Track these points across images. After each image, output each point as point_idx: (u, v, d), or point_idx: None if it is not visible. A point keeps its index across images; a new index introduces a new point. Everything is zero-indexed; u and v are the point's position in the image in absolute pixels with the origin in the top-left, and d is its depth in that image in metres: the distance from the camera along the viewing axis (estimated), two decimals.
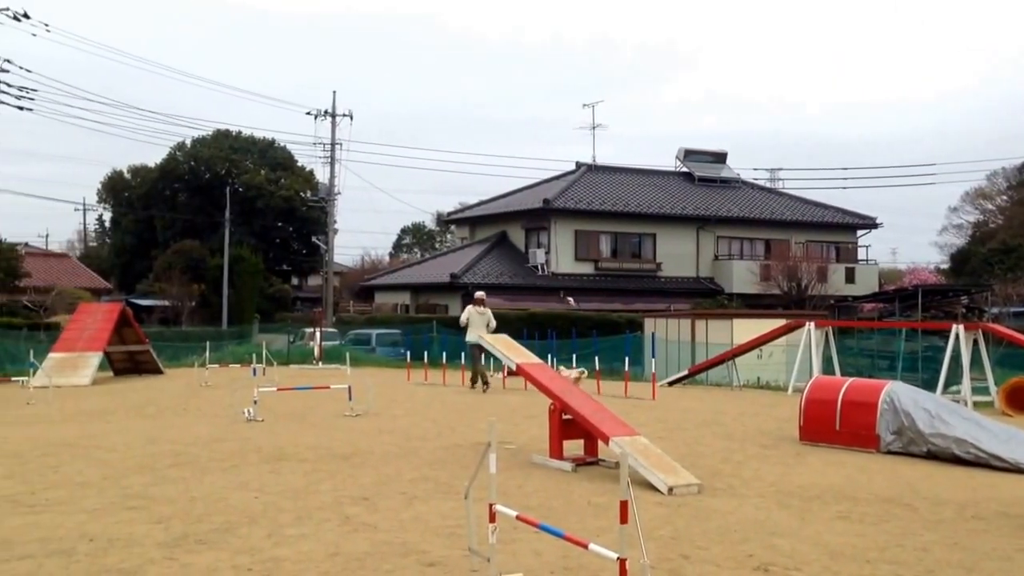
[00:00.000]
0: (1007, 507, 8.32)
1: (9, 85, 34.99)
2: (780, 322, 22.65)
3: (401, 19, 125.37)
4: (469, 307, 19.68)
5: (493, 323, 19.32)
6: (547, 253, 43.00)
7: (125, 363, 24.74)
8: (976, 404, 17.23)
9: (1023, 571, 6.18)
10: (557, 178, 48.58)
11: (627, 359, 20.17)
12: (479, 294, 20.39)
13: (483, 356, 19.07)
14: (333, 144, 48.92)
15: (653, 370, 19.63)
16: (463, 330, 19.74)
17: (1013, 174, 68.52)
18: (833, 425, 11.86)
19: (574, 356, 21.47)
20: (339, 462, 10.08)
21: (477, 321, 19.15)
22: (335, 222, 51.38)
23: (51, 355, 22.18)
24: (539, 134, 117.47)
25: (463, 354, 24.66)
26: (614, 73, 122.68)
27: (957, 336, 18.51)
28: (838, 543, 6.84)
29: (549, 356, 20.82)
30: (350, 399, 14.84)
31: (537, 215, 43.51)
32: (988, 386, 18.70)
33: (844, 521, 7.65)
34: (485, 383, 19.28)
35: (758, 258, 45.33)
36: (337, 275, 58.26)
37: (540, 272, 42.85)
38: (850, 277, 45.66)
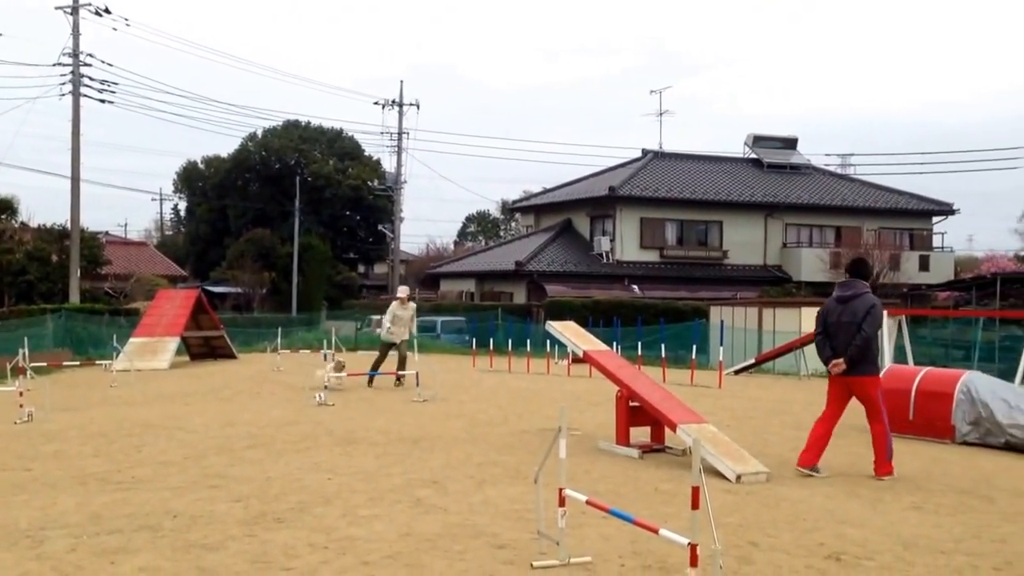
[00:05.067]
0: None
1: (91, 79, 35.86)
2: None
3: (468, 9, 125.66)
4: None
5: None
6: (612, 241, 42.86)
7: (201, 348, 25.28)
8: None
9: None
10: (623, 165, 48.37)
11: (694, 347, 20.10)
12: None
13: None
14: (400, 133, 49.36)
15: (720, 358, 19.54)
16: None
17: None
18: (907, 415, 11.70)
19: (639, 344, 21.43)
20: (409, 446, 10.24)
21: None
22: (401, 210, 51.94)
23: (132, 340, 22.78)
24: (605, 122, 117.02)
25: (528, 341, 24.81)
26: (683, 60, 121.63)
27: None
28: (912, 534, 6.76)
29: (614, 344, 20.81)
30: (418, 385, 15.02)
31: (602, 203, 43.38)
32: None
33: (918, 512, 7.56)
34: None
35: (828, 246, 44.63)
36: (403, 263, 58.74)
37: (605, 260, 42.75)
38: (924, 265, 44.73)
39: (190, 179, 63.87)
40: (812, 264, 42.97)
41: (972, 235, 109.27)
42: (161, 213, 78.45)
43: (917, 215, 48.22)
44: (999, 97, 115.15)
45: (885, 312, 20.28)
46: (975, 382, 11.42)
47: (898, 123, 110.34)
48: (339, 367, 16.55)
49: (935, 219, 48.87)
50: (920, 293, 37.64)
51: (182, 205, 70.58)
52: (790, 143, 50.72)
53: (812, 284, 42.38)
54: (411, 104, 49.45)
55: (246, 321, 39.14)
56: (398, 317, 17.44)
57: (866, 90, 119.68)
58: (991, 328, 23.50)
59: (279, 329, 27.47)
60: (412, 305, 18.07)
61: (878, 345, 9.20)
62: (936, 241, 48.50)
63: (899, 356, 19.97)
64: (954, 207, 48.51)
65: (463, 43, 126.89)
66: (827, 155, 77.13)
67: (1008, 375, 17.44)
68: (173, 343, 22.89)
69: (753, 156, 49.44)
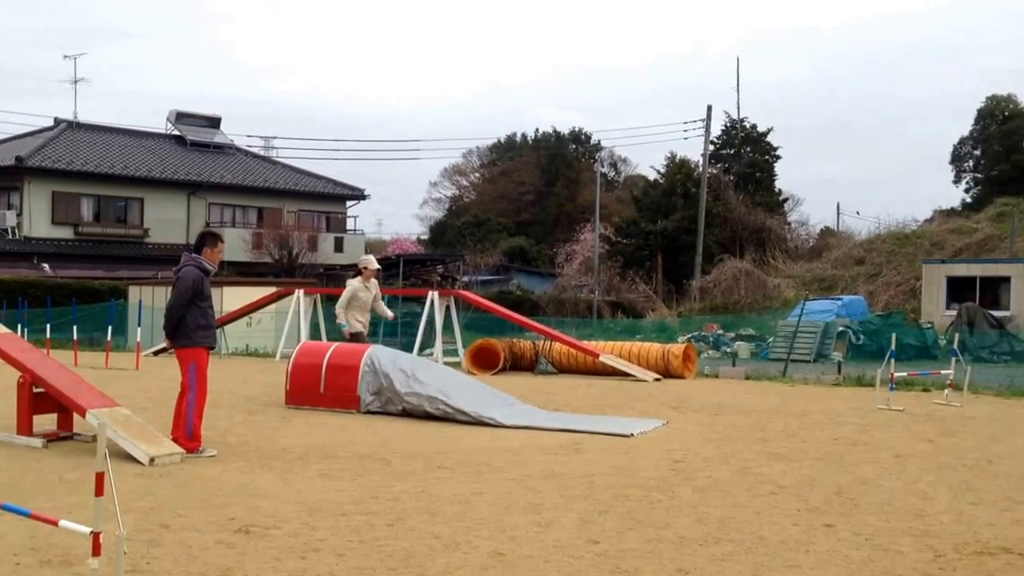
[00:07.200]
0: (468, 456, 9.25)
1: None
2: (270, 290, 22.95)
3: None
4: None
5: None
6: (19, 216, 39.66)
7: None
8: (447, 364, 18.83)
9: (477, 512, 6.90)
10: (32, 134, 44.83)
11: (110, 328, 19.32)
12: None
13: None
14: None
15: (138, 339, 19.02)
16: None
17: (485, 153, 75.40)
18: (318, 388, 12.32)
19: (48, 326, 20.06)
20: None
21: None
22: None
23: None
24: (9, 85, 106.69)
25: None
26: (102, 25, 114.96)
27: (432, 302, 20.05)
28: (317, 500, 7.18)
29: (19, 327, 19.29)
30: None
31: (8, 174, 39.84)
32: (457, 347, 20.50)
33: (324, 479, 8.04)
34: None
35: (251, 226, 45.34)
36: None
37: (11, 236, 39.43)
38: (339, 246, 47.23)
39: None
40: (235, 244, 43.19)
41: (381, 219, 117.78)
42: None
43: (333, 199, 50.77)
44: (403, 89, 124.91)
45: (301, 291, 21.31)
46: (378, 355, 12.35)
47: (320, 111, 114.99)
48: None
49: (349, 203, 51.83)
50: (335, 273, 39.78)
51: None
52: (214, 122, 50.56)
53: (235, 264, 42.73)
54: None
55: None
56: (359, 300, 13.80)
57: (286, 79, 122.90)
58: (395, 305, 25.55)
59: None
60: (375, 283, 13.91)
61: (195, 318, 9.37)
62: (350, 224, 51.48)
63: (315, 333, 20.98)
64: (366, 192, 51.91)
65: None
66: (250, 136, 78.23)
67: (409, 347, 19.17)
68: None
69: (176, 133, 48.56)
